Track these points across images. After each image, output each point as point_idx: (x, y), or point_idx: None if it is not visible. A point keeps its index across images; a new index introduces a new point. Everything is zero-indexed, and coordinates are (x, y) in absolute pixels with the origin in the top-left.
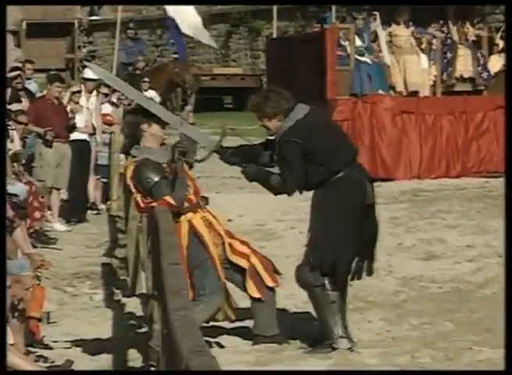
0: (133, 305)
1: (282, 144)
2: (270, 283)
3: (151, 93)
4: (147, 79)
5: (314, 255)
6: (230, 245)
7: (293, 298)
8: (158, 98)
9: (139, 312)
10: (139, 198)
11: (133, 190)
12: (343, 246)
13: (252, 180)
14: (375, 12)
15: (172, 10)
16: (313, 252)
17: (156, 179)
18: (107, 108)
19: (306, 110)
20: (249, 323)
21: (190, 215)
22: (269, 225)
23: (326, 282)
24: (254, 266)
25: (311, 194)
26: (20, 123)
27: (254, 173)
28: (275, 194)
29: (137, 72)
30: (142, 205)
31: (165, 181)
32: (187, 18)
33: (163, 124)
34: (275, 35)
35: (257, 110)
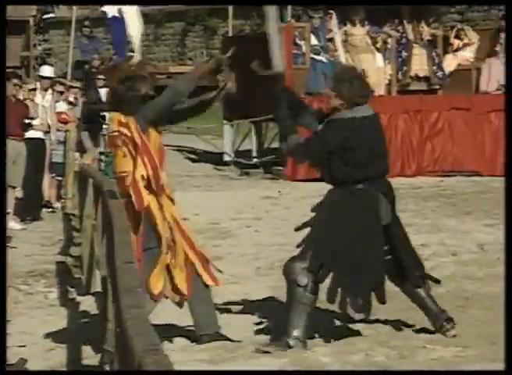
0: (88, 304)
1: (329, 123)
2: (210, 282)
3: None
4: (102, 77)
5: (313, 258)
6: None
7: (248, 296)
8: None
9: (93, 311)
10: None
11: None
12: (341, 259)
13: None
14: (330, 12)
15: (117, 9)
16: (312, 255)
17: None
18: (62, 107)
19: (368, 113)
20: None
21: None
22: (224, 223)
23: (310, 284)
24: (193, 265)
25: (261, 194)
26: None
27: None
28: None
29: (93, 70)
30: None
31: None
32: (134, 19)
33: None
34: (230, 33)
35: (337, 84)
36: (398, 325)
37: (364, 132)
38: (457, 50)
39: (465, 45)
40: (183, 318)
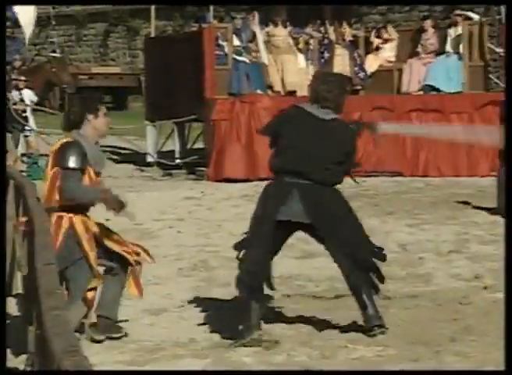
0: (9, 306)
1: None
2: (133, 292)
3: (28, 92)
4: (23, 78)
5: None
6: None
7: (170, 297)
8: (35, 97)
9: (15, 313)
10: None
11: (50, 164)
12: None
13: None
14: (253, 12)
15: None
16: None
17: (75, 165)
18: None
19: (330, 116)
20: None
21: (71, 214)
22: (147, 224)
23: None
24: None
25: (183, 195)
26: None
27: None
28: None
29: (14, 71)
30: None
31: (79, 174)
32: (29, 15)
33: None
34: (153, 34)
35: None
36: (320, 325)
37: (297, 123)
38: (378, 48)
39: (385, 41)
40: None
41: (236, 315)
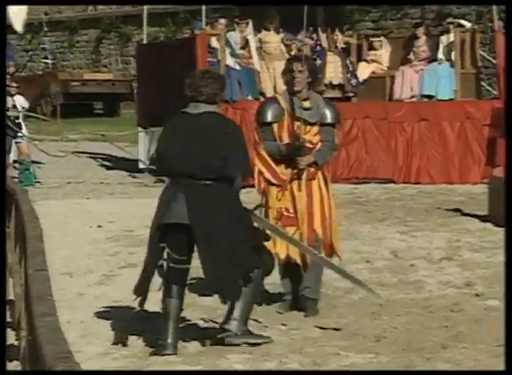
0: None
1: None
2: None
3: (20, 98)
4: (15, 84)
5: None
6: None
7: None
8: (26, 104)
9: (7, 319)
10: None
11: None
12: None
13: None
14: (246, 19)
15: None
16: None
17: None
18: None
19: (201, 110)
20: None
21: None
22: (139, 231)
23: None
24: None
25: None
26: None
27: None
28: None
29: (8, 77)
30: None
31: None
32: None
33: None
34: (145, 41)
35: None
36: (311, 332)
37: (176, 126)
38: (371, 61)
39: (378, 56)
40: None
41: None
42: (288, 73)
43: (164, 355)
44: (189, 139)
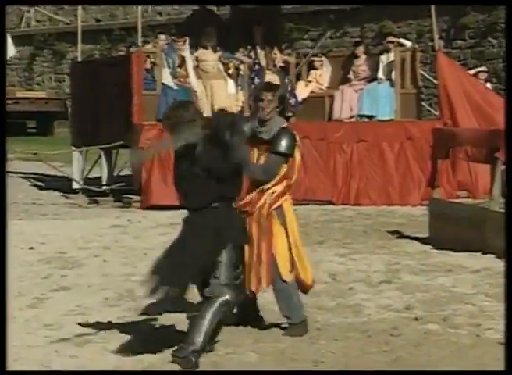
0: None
1: None
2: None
3: None
4: None
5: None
6: None
7: (94, 327)
8: None
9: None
10: None
11: None
12: None
13: None
14: (184, 37)
15: None
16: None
17: None
18: None
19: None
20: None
21: None
22: (72, 253)
23: None
24: None
25: (110, 223)
26: None
27: None
28: None
29: None
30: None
31: None
32: None
33: None
34: (79, 58)
35: None
36: (247, 357)
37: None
38: (311, 81)
39: (319, 76)
40: None
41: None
42: (257, 101)
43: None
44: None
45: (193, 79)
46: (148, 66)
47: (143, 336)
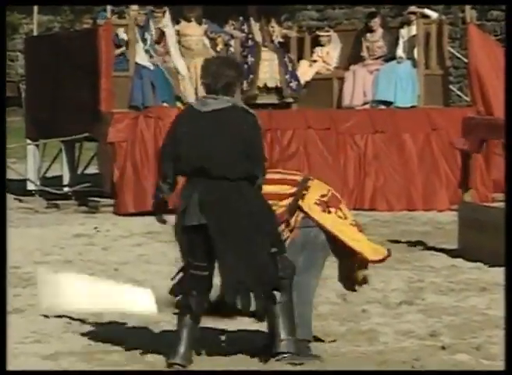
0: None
1: None
2: None
3: None
4: None
5: None
6: None
7: (54, 357)
8: None
9: None
10: None
11: None
12: None
13: None
14: (163, 7)
15: None
16: None
17: None
18: None
19: (219, 105)
20: None
21: None
22: (26, 268)
23: None
24: None
25: (73, 231)
26: None
27: None
28: None
29: None
30: None
31: None
32: None
33: None
34: (36, 32)
35: None
36: None
37: (189, 124)
38: (316, 61)
39: (325, 53)
40: None
41: None
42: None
43: (173, 364)
44: (206, 136)
45: (174, 57)
46: (124, 37)
47: (143, 336)
